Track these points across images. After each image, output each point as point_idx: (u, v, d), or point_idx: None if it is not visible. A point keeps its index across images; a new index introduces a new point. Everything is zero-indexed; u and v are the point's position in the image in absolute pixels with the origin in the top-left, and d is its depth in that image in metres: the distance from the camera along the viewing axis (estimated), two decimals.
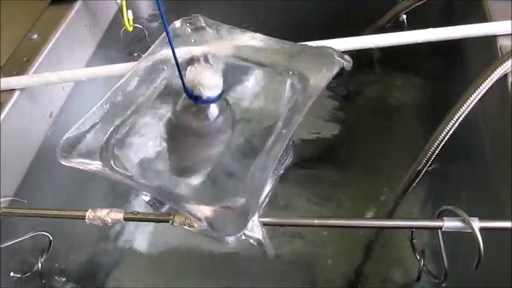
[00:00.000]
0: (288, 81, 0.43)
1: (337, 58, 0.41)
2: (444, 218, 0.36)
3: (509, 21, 0.53)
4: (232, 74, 0.45)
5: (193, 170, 0.42)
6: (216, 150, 0.42)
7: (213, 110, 0.40)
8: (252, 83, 0.45)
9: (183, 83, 0.39)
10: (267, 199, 0.44)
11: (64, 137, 0.41)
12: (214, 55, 0.47)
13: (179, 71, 0.38)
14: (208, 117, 0.41)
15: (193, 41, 0.49)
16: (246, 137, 0.41)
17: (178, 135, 0.43)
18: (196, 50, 0.48)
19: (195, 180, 0.40)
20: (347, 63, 0.42)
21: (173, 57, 0.38)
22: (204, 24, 0.50)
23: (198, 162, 0.42)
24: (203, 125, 0.41)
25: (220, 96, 0.40)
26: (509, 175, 0.45)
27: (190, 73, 0.39)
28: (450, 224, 0.36)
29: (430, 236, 0.51)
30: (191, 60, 0.47)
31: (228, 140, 0.42)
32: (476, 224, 0.35)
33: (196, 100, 0.39)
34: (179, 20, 0.50)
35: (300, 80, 0.42)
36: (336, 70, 0.40)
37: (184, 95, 0.40)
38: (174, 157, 0.43)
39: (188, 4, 0.80)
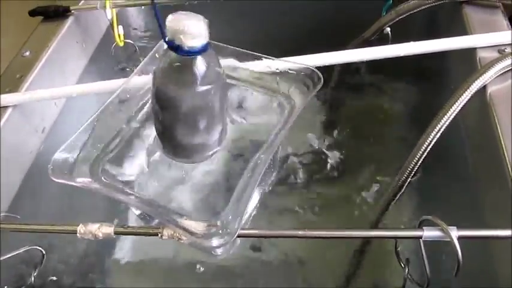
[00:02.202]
0: (273, 100, 0.44)
1: (319, 76, 0.42)
2: (424, 227, 0.37)
3: (488, 34, 0.55)
4: None
5: (184, 185, 0.43)
6: (208, 115, 0.39)
7: (200, 64, 0.36)
8: (240, 101, 0.47)
9: (161, 29, 0.35)
10: (254, 212, 0.45)
11: (56, 154, 0.42)
12: None
13: (157, 16, 0.35)
14: (194, 73, 0.36)
15: None
16: (232, 154, 0.42)
17: (163, 106, 0.39)
18: None
19: (184, 195, 0.41)
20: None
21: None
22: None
23: (191, 136, 0.40)
24: (190, 85, 0.37)
25: (205, 47, 0.36)
26: (490, 183, 0.47)
27: (171, 20, 0.35)
28: (430, 233, 0.37)
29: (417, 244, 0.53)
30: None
31: (218, 101, 0.39)
32: (455, 233, 0.36)
33: (177, 50, 0.35)
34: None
35: (285, 97, 0.43)
36: (317, 88, 0.42)
37: (165, 48, 0.36)
38: (166, 172, 0.44)
39: None
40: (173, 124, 0.40)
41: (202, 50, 0.36)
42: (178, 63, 0.37)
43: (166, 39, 0.35)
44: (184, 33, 0.34)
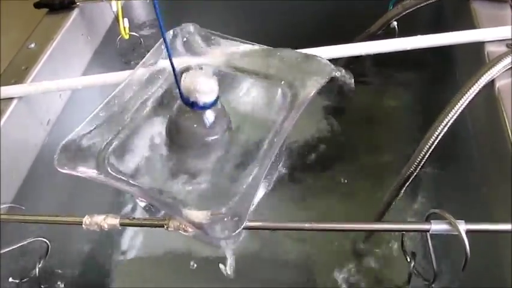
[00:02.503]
0: (280, 91, 0.44)
1: (328, 67, 0.42)
2: (432, 221, 0.37)
3: (496, 28, 0.54)
4: (225, 84, 0.46)
5: (190, 175, 0.43)
6: (213, 156, 0.42)
7: (209, 115, 0.41)
8: (245, 92, 0.46)
9: (179, 89, 0.39)
10: (260, 204, 0.45)
11: (61, 145, 0.42)
12: (207, 65, 0.48)
13: (175, 76, 0.39)
14: (204, 122, 0.41)
15: (186, 51, 0.50)
16: (238, 145, 0.42)
17: (175, 141, 0.44)
18: (189, 60, 0.49)
19: (190, 185, 0.41)
20: (339, 73, 0.43)
21: (170, 65, 0.38)
22: (196, 34, 0.51)
23: (195, 168, 0.43)
24: (199, 131, 0.41)
25: (216, 101, 0.40)
26: (498, 178, 0.46)
27: (185, 79, 0.39)
28: (437, 227, 0.37)
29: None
30: (186, 70, 0.48)
31: (225, 145, 0.42)
32: (463, 227, 0.36)
33: (192, 106, 0.40)
34: (171, 30, 0.51)
35: (291, 89, 0.43)
36: (325, 79, 0.41)
37: (179, 101, 0.41)
38: (171, 163, 0.44)
39: (181, 12, 0.82)
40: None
41: (213, 104, 0.40)
42: (190, 114, 0.41)
43: (183, 96, 0.40)
44: (199, 92, 0.39)
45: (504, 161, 0.45)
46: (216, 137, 0.42)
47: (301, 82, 0.43)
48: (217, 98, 0.40)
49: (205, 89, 0.39)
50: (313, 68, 0.43)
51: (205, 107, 0.40)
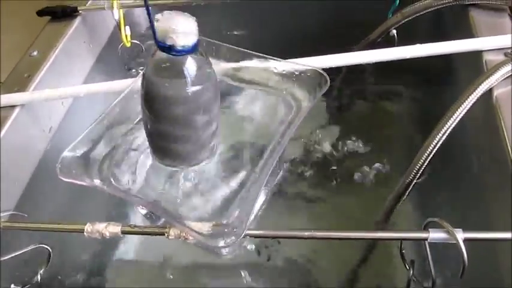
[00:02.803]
0: (280, 101, 0.45)
1: (325, 79, 0.43)
2: (430, 229, 0.37)
3: (495, 37, 0.55)
4: (227, 94, 0.47)
5: (191, 184, 0.43)
6: (201, 120, 0.38)
7: (190, 63, 0.35)
8: (246, 102, 0.47)
9: (153, 30, 0.33)
10: (260, 212, 0.45)
11: (64, 153, 0.43)
12: None
13: (149, 15, 0.32)
14: (185, 75, 0.35)
15: None
16: (240, 153, 0.42)
17: (153, 108, 0.38)
18: None
19: (191, 195, 0.41)
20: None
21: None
22: (200, 44, 0.51)
23: (183, 141, 0.39)
24: (180, 87, 0.36)
25: (196, 46, 0.35)
26: (496, 186, 0.47)
27: (160, 20, 0.34)
28: (435, 235, 0.37)
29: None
30: None
31: (213, 106, 0.38)
32: (460, 235, 0.36)
33: (170, 50, 0.34)
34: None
35: (292, 99, 0.44)
36: (324, 90, 0.42)
37: (155, 48, 0.35)
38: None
39: None
40: (166, 128, 0.39)
41: (194, 48, 0.35)
42: (168, 64, 0.36)
43: (157, 39, 0.34)
44: (176, 33, 0.33)
45: (502, 169, 0.45)
46: (199, 87, 0.36)
47: (301, 92, 0.44)
48: (198, 42, 0.35)
49: (183, 28, 0.34)
50: (311, 79, 0.44)
51: (184, 51, 0.34)
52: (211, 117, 0.39)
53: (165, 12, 0.34)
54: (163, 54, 0.35)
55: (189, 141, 0.39)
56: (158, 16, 0.34)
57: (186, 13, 0.35)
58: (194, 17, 0.35)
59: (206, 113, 0.38)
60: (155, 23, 0.34)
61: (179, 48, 0.34)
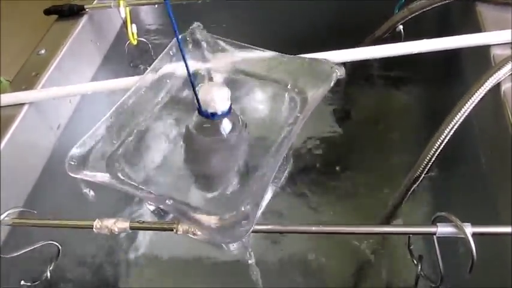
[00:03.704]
0: (287, 95, 0.45)
1: (333, 72, 0.43)
2: (438, 224, 0.37)
3: (502, 31, 0.54)
4: (233, 88, 0.47)
5: (199, 180, 0.43)
6: (227, 162, 0.43)
7: (226, 124, 0.42)
8: (253, 96, 0.47)
9: (198, 103, 0.40)
10: (267, 207, 0.45)
11: (72, 150, 0.43)
12: (215, 70, 0.49)
13: (194, 88, 0.39)
14: (221, 132, 0.42)
15: (194, 56, 0.51)
16: (246, 149, 0.42)
17: (191, 152, 0.44)
18: (198, 66, 0.50)
19: (199, 190, 0.42)
20: (340, 73, 0.44)
21: (179, 69, 0.40)
22: (204, 40, 0.51)
23: (205, 173, 0.44)
24: (217, 141, 0.42)
25: (230, 108, 0.41)
26: (504, 181, 0.47)
27: (202, 92, 0.40)
28: (444, 229, 0.37)
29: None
30: (194, 75, 0.49)
31: (243, 154, 0.43)
32: (469, 230, 0.36)
33: (212, 117, 0.41)
34: (182, 35, 0.52)
35: (298, 93, 0.44)
36: (331, 84, 0.42)
37: (196, 113, 0.41)
38: (180, 168, 0.44)
39: (189, 19, 0.82)
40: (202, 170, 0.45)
41: (229, 111, 0.41)
42: (208, 124, 0.42)
43: (201, 109, 0.41)
44: (215, 102, 0.40)
45: (510, 163, 0.45)
46: (234, 145, 0.42)
47: (308, 86, 0.44)
48: (231, 105, 0.41)
49: (220, 99, 0.40)
50: (319, 72, 0.44)
51: (223, 115, 0.41)
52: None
53: (202, 85, 0.41)
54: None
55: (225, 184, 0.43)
56: (202, 87, 0.40)
57: (220, 84, 0.43)
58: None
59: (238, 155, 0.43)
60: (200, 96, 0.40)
61: (219, 114, 0.40)
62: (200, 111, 0.41)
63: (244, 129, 0.43)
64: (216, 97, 0.40)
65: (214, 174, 0.43)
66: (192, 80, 0.38)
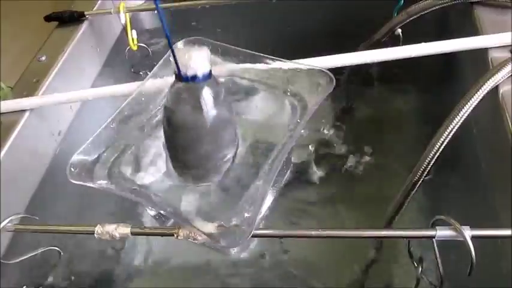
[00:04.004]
0: (286, 101, 0.45)
1: (331, 79, 0.43)
2: (437, 227, 0.37)
3: (500, 34, 0.55)
4: (234, 94, 0.47)
5: (199, 185, 0.44)
6: (219, 136, 0.41)
7: (207, 93, 0.39)
8: (252, 102, 0.47)
9: (177, 65, 0.37)
10: (267, 211, 0.46)
11: (73, 157, 0.43)
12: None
13: (172, 52, 0.37)
14: (202, 101, 0.39)
15: None
16: (247, 154, 0.42)
17: (175, 131, 0.42)
18: None
19: (199, 195, 0.42)
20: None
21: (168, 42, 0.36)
22: (205, 45, 0.52)
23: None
24: (199, 112, 0.39)
25: (211, 72, 0.39)
26: (503, 183, 0.47)
27: (180, 55, 0.37)
28: (443, 232, 0.37)
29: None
30: None
31: (229, 122, 0.42)
32: (468, 233, 0.36)
33: (193, 80, 0.38)
34: (181, 41, 0.52)
35: (297, 99, 0.44)
36: (329, 90, 0.42)
37: (172, 82, 0.39)
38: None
39: (191, 26, 0.83)
40: (186, 148, 0.42)
41: (210, 75, 0.39)
42: (186, 93, 0.39)
43: (180, 72, 0.38)
44: (196, 64, 0.37)
45: (508, 166, 0.45)
46: (217, 110, 0.40)
47: (307, 92, 0.44)
48: (210, 70, 0.39)
49: (201, 60, 0.38)
50: (317, 79, 0.44)
51: (203, 78, 0.38)
52: (226, 131, 0.42)
53: (180, 47, 0.40)
54: (180, 85, 0.39)
55: (208, 160, 0.42)
56: (179, 50, 0.38)
57: (199, 44, 0.41)
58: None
59: (222, 130, 0.41)
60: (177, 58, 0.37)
61: (200, 77, 0.38)
62: (179, 75, 0.38)
63: (227, 97, 0.41)
64: (195, 57, 0.37)
65: (201, 153, 0.41)
66: (171, 43, 0.36)
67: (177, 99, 0.40)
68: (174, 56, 0.37)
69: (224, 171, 0.42)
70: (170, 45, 0.37)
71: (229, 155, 0.42)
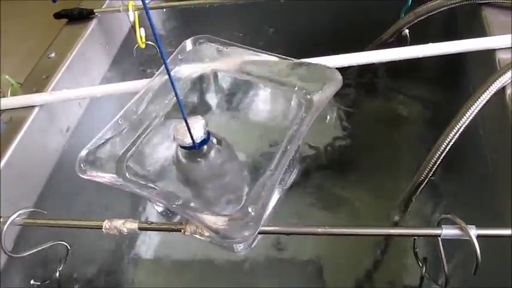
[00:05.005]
0: (294, 98, 0.45)
1: (338, 77, 0.43)
2: (443, 226, 0.38)
3: (507, 36, 0.55)
4: (240, 90, 0.48)
5: (207, 181, 0.44)
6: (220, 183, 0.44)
7: (209, 149, 0.42)
8: (259, 99, 0.48)
9: (191, 137, 0.40)
10: (274, 209, 0.46)
11: (82, 152, 0.44)
12: (221, 71, 0.49)
13: (188, 128, 0.39)
14: (207, 158, 0.42)
15: (203, 59, 0.51)
16: (254, 151, 0.43)
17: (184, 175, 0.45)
18: (206, 67, 0.50)
19: (206, 191, 0.42)
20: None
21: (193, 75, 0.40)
22: (213, 43, 0.52)
23: (211, 175, 0.44)
24: (205, 166, 0.43)
25: (209, 137, 0.42)
26: (509, 184, 0.47)
27: (179, 130, 0.41)
28: (448, 231, 0.37)
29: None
30: (201, 77, 0.50)
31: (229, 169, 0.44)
32: (474, 232, 0.37)
33: (192, 148, 0.41)
34: (190, 39, 0.53)
35: (304, 96, 0.44)
36: (337, 88, 0.43)
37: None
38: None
39: (198, 24, 0.83)
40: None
41: (208, 140, 0.42)
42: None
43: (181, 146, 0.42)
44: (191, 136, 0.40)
45: None
46: (219, 161, 0.43)
47: (315, 90, 0.44)
48: (209, 135, 0.42)
49: (197, 131, 0.40)
50: (324, 77, 0.44)
51: (201, 145, 0.41)
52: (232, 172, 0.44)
53: (176, 126, 0.41)
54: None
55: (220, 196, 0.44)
56: (177, 127, 0.41)
57: (196, 116, 0.42)
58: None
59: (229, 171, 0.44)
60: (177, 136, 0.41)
61: (198, 144, 0.41)
62: (181, 147, 0.42)
63: (224, 148, 0.44)
64: (192, 131, 0.40)
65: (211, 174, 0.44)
66: (182, 109, 0.38)
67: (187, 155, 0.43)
68: (190, 130, 0.40)
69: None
70: (181, 110, 0.38)
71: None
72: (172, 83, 0.34)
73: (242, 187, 0.41)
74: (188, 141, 0.40)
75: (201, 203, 0.42)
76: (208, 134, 0.42)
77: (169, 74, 0.34)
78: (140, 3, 0.73)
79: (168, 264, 0.68)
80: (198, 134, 0.41)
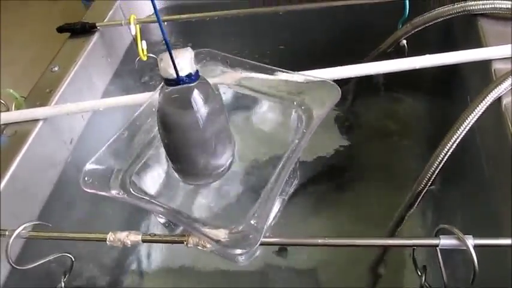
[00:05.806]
0: (294, 112, 0.46)
1: (337, 90, 0.44)
2: (441, 236, 0.38)
3: (503, 46, 0.56)
4: (241, 104, 0.48)
5: (208, 193, 0.45)
6: (213, 137, 0.42)
7: (196, 92, 0.40)
8: (260, 112, 0.48)
9: (175, 67, 0.38)
10: (275, 220, 0.47)
11: (86, 166, 0.44)
12: (222, 85, 0.50)
13: (171, 54, 0.37)
14: (192, 102, 0.40)
15: (203, 72, 0.52)
16: (255, 163, 0.43)
17: (171, 134, 0.43)
18: None
19: (208, 203, 0.43)
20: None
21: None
22: (214, 57, 0.53)
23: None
24: (191, 113, 0.41)
25: (197, 74, 0.40)
26: (506, 193, 0.47)
27: (164, 59, 0.38)
28: (446, 241, 0.38)
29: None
30: None
31: (221, 120, 0.43)
32: (471, 242, 0.37)
33: (176, 82, 0.39)
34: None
35: (304, 110, 0.45)
36: (335, 101, 0.43)
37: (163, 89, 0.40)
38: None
39: (198, 38, 0.84)
40: (183, 151, 0.44)
41: (196, 77, 0.40)
42: (177, 95, 0.40)
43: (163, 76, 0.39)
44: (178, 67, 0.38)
45: None
46: (207, 111, 0.41)
47: (314, 103, 0.45)
48: (197, 71, 0.40)
49: (183, 62, 0.38)
50: (323, 90, 0.45)
51: (188, 80, 0.39)
52: (220, 130, 0.43)
53: (164, 54, 0.38)
54: (169, 89, 0.40)
55: (206, 158, 0.43)
56: (161, 56, 0.38)
57: (186, 48, 0.40)
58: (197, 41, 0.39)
59: (216, 129, 0.43)
60: (160, 64, 0.38)
61: (184, 79, 0.39)
62: (162, 78, 0.39)
63: (219, 98, 0.42)
64: (179, 61, 0.38)
65: (193, 153, 0.43)
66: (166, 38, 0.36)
67: (170, 101, 0.41)
68: (173, 59, 0.37)
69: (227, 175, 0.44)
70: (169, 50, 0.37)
71: (228, 152, 0.43)
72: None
73: (243, 199, 0.42)
74: (172, 71, 0.37)
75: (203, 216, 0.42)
76: (197, 71, 0.39)
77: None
78: (141, 16, 0.74)
79: (169, 270, 0.69)
80: (184, 66, 0.38)
